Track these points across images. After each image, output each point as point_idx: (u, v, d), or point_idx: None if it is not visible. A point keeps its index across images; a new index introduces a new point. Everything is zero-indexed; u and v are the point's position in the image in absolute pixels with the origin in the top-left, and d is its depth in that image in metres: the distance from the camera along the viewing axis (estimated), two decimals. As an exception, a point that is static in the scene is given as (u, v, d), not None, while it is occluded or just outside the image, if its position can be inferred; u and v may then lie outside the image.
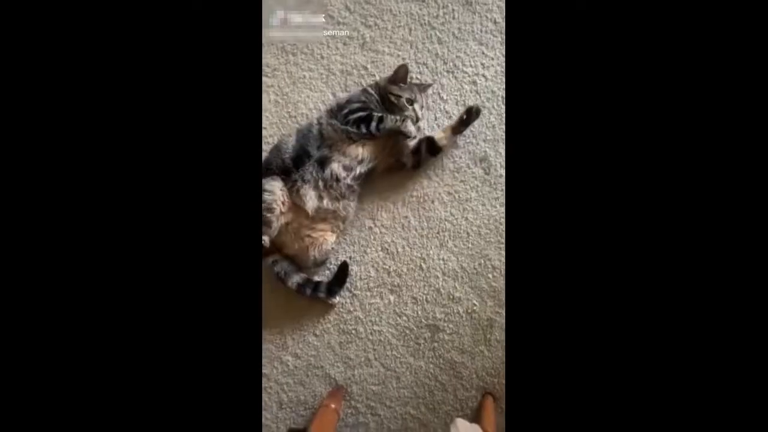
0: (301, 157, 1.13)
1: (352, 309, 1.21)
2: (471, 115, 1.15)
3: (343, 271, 1.19)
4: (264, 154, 1.23)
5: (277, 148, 1.17)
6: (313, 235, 1.17)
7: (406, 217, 1.21)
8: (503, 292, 1.15)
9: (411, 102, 1.14)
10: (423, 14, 1.23)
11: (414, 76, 1.21)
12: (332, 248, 1.20)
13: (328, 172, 1.12)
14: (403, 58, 1.22)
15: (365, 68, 1.24)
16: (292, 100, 1.26)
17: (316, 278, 1.21)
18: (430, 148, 1.17)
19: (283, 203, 1.13)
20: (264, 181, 1.12)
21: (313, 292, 1.17)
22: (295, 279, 1.17)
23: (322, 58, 1.25)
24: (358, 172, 1.14)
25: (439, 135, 1.17)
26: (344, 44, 1.25)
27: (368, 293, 1.21)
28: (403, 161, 1.18)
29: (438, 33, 1.23)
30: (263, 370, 1.22)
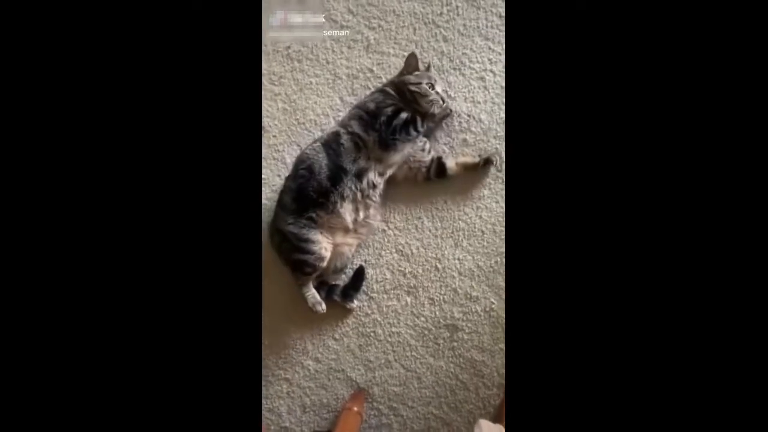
0: (338, 174, 1.09)
1: (369, 312, 1.22)
2: (488, 163, 1.15)
3: (359, 275, 1.19)
4: (266, 172, 1.24)
5: (309, 171, 1.10)
6: (342, 249, 1.17)
7: (420, 218, 1.21)
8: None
9: (431, 86, 1.12)
10: (426, 13, 1.22)
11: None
12: (352, 255, 1.21)
13: (365, 182, 1.11)
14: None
15: (371, 71, 1.24)
16: (300, 107, 1.26)
17: (332, 281, 1.21)
18: (439, 172, 1.16)
19: (327, 246, 1.13)
20: (303, 227, 1.10)
21: (328, 294, 1.19)
22: None
23: (328, 63, 1.25)
24: (388, 174, 1.15)
25: (450, 164, 1.16)
26: (349, 48, 1.25)
27: (385, 296, 1.21)
28: (414, 174, 1.17)
29: (443, 31, 1.22)
30: (285, 375, 1.24)
